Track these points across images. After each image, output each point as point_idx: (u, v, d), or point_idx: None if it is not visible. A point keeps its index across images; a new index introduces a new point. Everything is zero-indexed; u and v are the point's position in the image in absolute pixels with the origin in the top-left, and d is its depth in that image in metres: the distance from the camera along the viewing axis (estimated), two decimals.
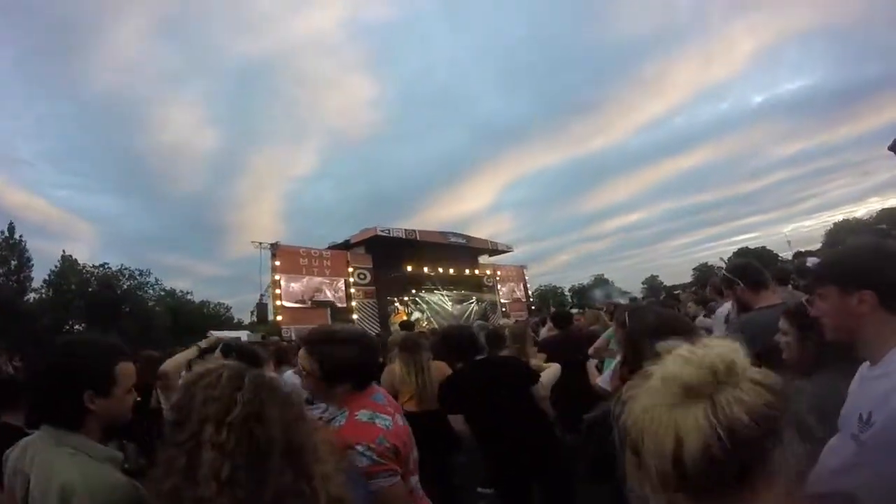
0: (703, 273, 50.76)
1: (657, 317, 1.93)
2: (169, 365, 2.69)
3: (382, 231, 21.10)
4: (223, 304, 51.11)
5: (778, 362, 1.92)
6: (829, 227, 62.97)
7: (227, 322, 45.53)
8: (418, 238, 22.54)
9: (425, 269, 22.66)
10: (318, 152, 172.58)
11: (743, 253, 47.42)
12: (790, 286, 4.49)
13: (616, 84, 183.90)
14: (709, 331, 3.86)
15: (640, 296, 17.95)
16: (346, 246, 21.50)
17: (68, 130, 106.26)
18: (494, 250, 27.46)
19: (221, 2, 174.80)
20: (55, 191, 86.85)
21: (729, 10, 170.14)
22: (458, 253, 24.77)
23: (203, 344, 2.93)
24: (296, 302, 18.27)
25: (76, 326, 33.34)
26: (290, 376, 3.98)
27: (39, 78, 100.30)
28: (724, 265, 4.44)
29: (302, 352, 1.91)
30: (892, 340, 1.26)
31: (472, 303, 24.96)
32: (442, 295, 23.83)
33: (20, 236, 33.81)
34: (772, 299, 2.83)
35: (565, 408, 3.81)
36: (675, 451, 0.70)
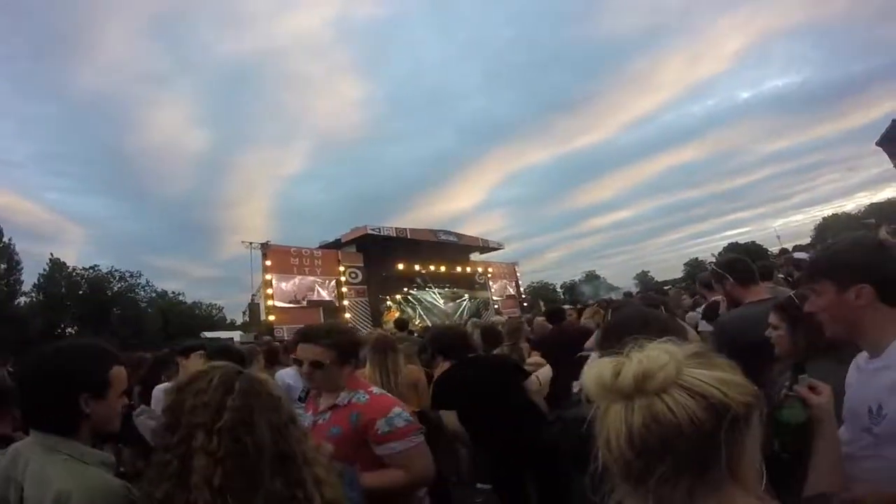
0: (694, 268, 51.02)
1: (629, 315, 1.92)
2: None
3: (373, 230, 21.05)
4: (215, 304, 51.14)
5: (769, 355, 1.94)
6: (818, 222, 63.81)
7: (219, 323, 45.38)
8: (409, 236, 22.53)
9: (417, 268, 22.58)
10: (307, 152, 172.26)
11: (733, 248, 47.64)
12: (772, 283, 4.55)
13: (604, 82, 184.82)
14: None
15: (634, 291, 17.97)
16: (337, 245, 21.44)
17: (56, 132, 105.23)
18: (485, 248, 27.50)
19: (210, 1, 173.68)
20: (44, 193, 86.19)
21: (716, 7, 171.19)
22: (449, 251, 24.71)
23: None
24: (287, 301, 18.20)
25: (68, 330, 33.11)
26: (283, 375, 3.98)
27: (27, 78, 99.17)
28: (715, 261, 4.48)
29: (309, 347, 2.08)
30: (893, 333, 1.29)
31: (464, 300, 24.93)
32: (434, 293, 23.82)
33: (9, 239, 33.49)
34: (761, 294, 2.86)
35: (560, 404, 3.82)
36: (608, 443, 0.76)
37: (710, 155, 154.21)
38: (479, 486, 4.52)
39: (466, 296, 25.18)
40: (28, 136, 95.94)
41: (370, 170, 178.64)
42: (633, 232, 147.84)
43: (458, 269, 24.90)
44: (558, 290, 68.17)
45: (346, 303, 19.90)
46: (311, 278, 19.30)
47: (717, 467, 0.72)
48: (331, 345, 2.06)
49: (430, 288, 23.60)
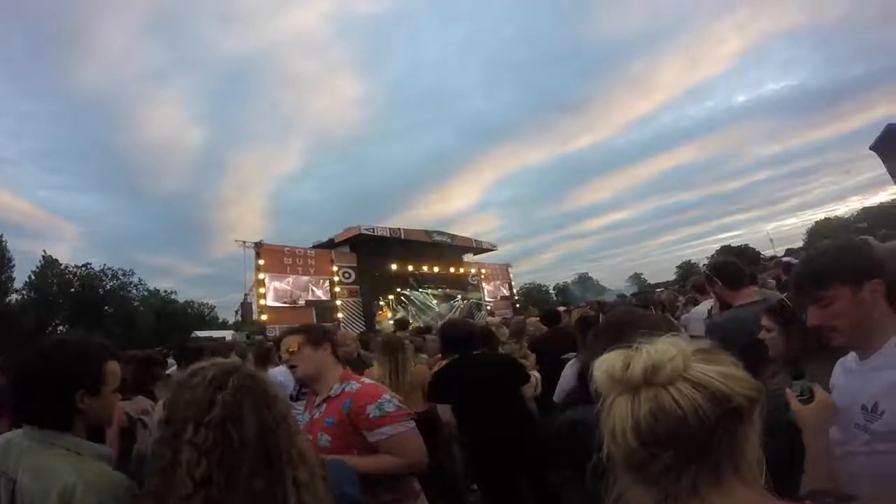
0: (687, 271, 51.32)
1: (622, 315, 1.93)
2: None
3: (367, 230, 21.00)
4: (207, 303, 50.82)
5: (763, 357, 1.97)
6: (810, 226, 64.18)
7: (211, 322, 45.23)
8: (403, 237, 22.48)
9: (410, 268, 22.57)
10: (303, 150, 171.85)
11: (725, 251, 47.89)
12: (758, 287, 4.59)
13: (602, 83, 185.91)
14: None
15: (627, 292, 18.03)
16: (331, 245, 21.32)
17: (51, 128, 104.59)
18: (479, 248, 27.50)
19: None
20: (37, 190, 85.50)
21: (715, 9, 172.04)
22: (442, 251, 24.73)
23: None
24: (280, 301, 18.10)
25: (60, 327, 32.89)
26: (275, 373, 3.96)
27: (22, 75, 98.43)
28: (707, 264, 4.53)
29: (286, 340, 2.30)
30: (890, 332, 1.28)
31: (457, 301, 24.96)
32: (427, 293, 23.82)
33: (1, 236, 33.22)
34: (751, 297, 2.89)
35: (549, 406, 3.83)
36: (614, 433, 0.78)
37: (705, 157, 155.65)
38: (475, 486, 4.53)
39: (459, 296, 25.21)
40: (23, 133, 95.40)
41: (365, 169, 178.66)
42: (627, 234, 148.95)
43: (452, 269, 24.90)
44: (551, 291, 68.29)
45: (338, 302, 19.80)
46: (305, 278, 19.19)
47: (720, 459, 0.74)
48: (299, 331, 2.33)
49: (423, 289, 23.60)
